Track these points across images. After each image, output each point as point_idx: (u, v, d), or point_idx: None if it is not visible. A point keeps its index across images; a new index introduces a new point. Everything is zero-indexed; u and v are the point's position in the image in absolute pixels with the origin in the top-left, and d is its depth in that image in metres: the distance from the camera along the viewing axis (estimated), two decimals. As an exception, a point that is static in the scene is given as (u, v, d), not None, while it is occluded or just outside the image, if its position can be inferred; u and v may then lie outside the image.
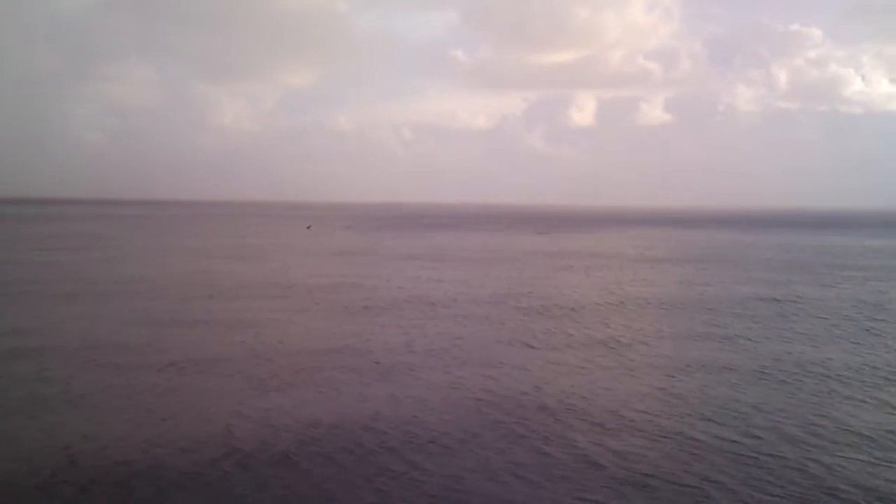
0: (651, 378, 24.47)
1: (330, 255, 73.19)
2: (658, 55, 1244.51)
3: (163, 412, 20.35)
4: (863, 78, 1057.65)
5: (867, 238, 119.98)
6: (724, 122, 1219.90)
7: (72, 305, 38.26)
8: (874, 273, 60.42)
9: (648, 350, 28.86)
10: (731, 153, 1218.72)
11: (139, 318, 34.69)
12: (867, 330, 33.70)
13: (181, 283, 48.07)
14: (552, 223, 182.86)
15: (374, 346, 28.90)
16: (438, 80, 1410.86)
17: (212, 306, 38.70)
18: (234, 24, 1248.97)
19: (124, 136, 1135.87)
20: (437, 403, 21.49)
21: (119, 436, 18.36)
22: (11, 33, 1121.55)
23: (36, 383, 22.90)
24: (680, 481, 15.88)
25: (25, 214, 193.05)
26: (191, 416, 20.08)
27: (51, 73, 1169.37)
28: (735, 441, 18.34)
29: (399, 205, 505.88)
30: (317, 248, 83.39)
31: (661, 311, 38.78)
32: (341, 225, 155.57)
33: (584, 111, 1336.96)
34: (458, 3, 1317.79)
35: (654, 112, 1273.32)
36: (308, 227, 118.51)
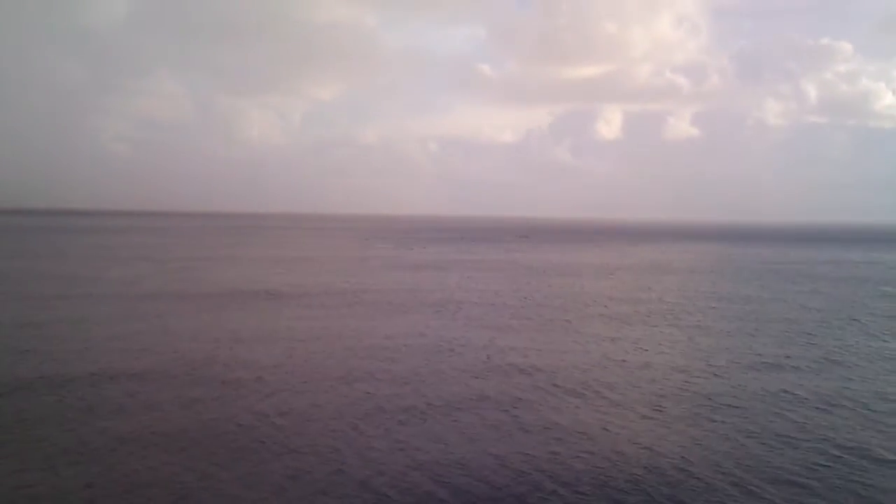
0: (795, 406, 23.78)
1: (397, 269, 72.44)
2: (686, 69, 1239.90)
3: (278, 438, 19.39)
4: (893, 92, 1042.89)
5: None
6: (752, 136, 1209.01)
7: (151, 320, 38.32)
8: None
9: (761, 374, 28.31)
10: (760, 168, 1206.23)
11: (230, 331, 34.65)
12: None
13: (255, 295, 48.18)
14: (588, 236, 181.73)
15: (484, 370, 28.59)
16: (465, 94, 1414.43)
17: (301, 322, 38.56)
18: (263, 37, 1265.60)
19: (153, 149, 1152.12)
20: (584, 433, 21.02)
21: (240, 473, 17.19)
22: (42, 47, 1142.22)
23: (141, 411, 22.20)
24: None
25: (61, 226, 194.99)
26: (312, 449, 18.80)
27: (80, 86, 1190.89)
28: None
29: (429, 218, 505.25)
30: (378, 261, 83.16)
31: (750, 330, 38.10)
32: (380, 237, 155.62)
33: (610, 125, 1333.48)
34: (486, 19, 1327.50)
35: (681, 126, 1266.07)
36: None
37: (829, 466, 17.71)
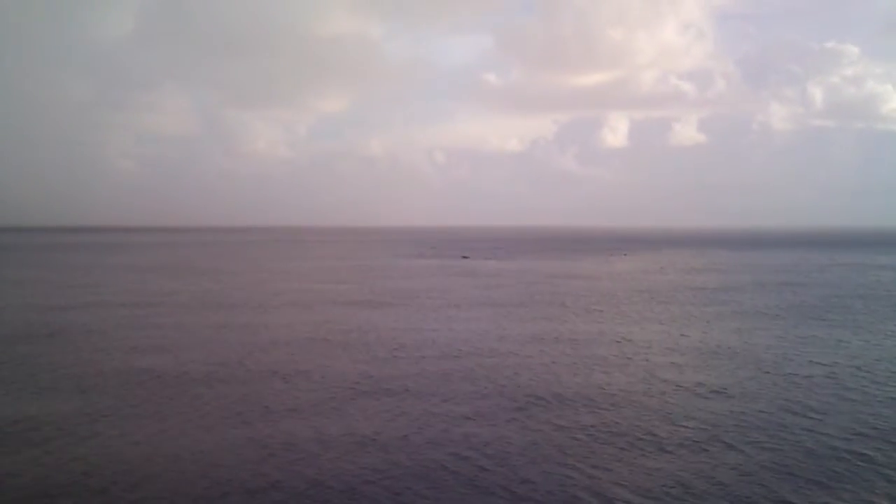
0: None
1: (469, 278, 73.00)
2: (691, 75, 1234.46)
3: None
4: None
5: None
6: (759, 141, 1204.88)
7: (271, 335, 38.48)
8: None
9: None
10: (767, 172, 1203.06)
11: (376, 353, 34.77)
12: None
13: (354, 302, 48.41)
14: (611, 244, 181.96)
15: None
16: (471, 103, 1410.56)
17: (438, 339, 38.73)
18: (268, 51, 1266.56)
19: (159, 164, 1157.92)
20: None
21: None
22: (46, 63, 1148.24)
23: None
24: None
25: (76, 243, 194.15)
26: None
27: (85, 102, 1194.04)
28: None
29: (443, 229, 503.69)
30: (445, 273, 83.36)
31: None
32: (410, 251, 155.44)
33: (616, 132, 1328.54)
34: (491, 27, 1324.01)
35: (687, 132, 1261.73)
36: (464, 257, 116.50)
37: None
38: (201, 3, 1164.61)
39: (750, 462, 17.51)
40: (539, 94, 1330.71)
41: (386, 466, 17.28)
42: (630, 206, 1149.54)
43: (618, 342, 34.42)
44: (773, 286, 63.36)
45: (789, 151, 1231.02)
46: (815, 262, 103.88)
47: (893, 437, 19.41)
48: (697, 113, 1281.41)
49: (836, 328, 38.76)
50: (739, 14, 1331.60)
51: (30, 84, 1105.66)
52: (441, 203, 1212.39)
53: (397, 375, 26.99)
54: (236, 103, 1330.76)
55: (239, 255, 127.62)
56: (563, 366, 28.82)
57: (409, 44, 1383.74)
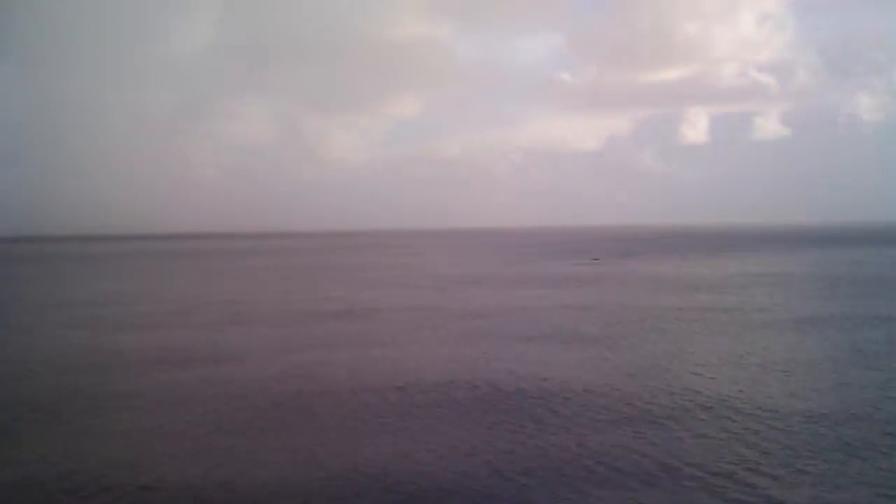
0: None
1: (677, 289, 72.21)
2: (772, 67, 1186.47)
3: None
4: None
5: None
6: (846, 133, 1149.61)
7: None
8: None
9: None
10: (856, 164, 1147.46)
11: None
12: None
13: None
14: (719, 244, 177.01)
15: None
16: (545, 103, 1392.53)
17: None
18: (343, 58, 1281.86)
19: (241, 172, 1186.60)
20: None
21: None
22: (128, 79, 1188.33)
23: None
24: None
25: (188, 250, 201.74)
26: None
27: (168, 115, 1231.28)
28: None
29: (528, 230, 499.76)
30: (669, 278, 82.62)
31: None
32: (535, 251, 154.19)
33: (696, 128, 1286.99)
34: (564, 26, 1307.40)
35: (770, 126, 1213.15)
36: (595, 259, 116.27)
37: None
38: (274, 13, 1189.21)
39: None
40: (614, 91, 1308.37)
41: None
42: (713, 202, 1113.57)
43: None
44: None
45: (879, 142, 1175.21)
46: None
47: None
48: (780, 106, 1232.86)
49: None
50: (818, 4, 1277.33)
51: (115, 98, 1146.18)
52: (519, 203, 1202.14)
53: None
54: (314, 110, 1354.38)
55: (390, 261, 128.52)
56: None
57: (479, 45, 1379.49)
